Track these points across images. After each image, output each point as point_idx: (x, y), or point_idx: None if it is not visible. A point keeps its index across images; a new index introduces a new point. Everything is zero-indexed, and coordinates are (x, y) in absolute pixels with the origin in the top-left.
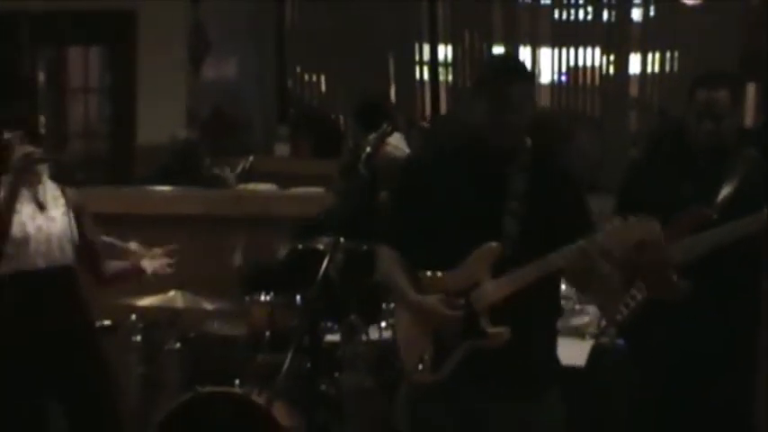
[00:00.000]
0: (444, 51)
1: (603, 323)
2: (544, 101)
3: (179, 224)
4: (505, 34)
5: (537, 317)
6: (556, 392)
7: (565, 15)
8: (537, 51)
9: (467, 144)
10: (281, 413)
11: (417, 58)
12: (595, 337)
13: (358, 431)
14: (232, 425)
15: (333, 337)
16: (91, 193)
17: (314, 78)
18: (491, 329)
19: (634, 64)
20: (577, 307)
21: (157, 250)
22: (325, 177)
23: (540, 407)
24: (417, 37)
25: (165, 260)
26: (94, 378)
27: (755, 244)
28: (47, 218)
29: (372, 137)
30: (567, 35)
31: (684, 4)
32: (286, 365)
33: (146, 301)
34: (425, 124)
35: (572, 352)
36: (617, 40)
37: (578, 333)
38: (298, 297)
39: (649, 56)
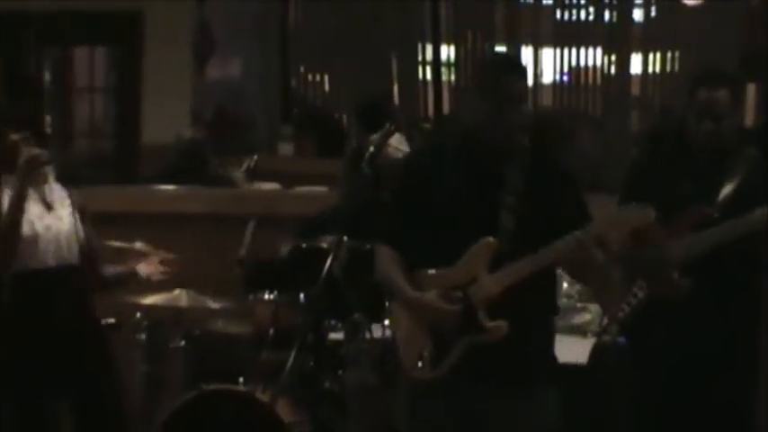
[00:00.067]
0: (447, 51)
1: (605, 321)
2: (546, 100)
3: (184, 223)
4: (508, 34)
5: (533, 314)
6: (552, 389)
7: (567, 16)
8: (539, 51)
9: (465, 142)
10: (284, 410)
11: (420, 58)
12: (597, 335)
13: (361, 428)
14: (236, 422)
15: (336, 335)
16: (96, 192)
17: (317, 78)
18: (489, 323)
19: (635, 64)
20: (579, 305)
21: (158, 255)
22: (329, 177)
23: (536, 402)
24: (420, 37)
25: (160, 266)
26: (101, 376)
27: (756, 243)
28: (55, 217)
29: (375, 136)
30: (568, 35)
31: (685, 5)
32: (290, 363)
33: (150, 300)
34: (427, 125)
35: (574, 350)
36: (618, 40)
37: (580, 331)
38: (301, 295)
39: (650, 56)
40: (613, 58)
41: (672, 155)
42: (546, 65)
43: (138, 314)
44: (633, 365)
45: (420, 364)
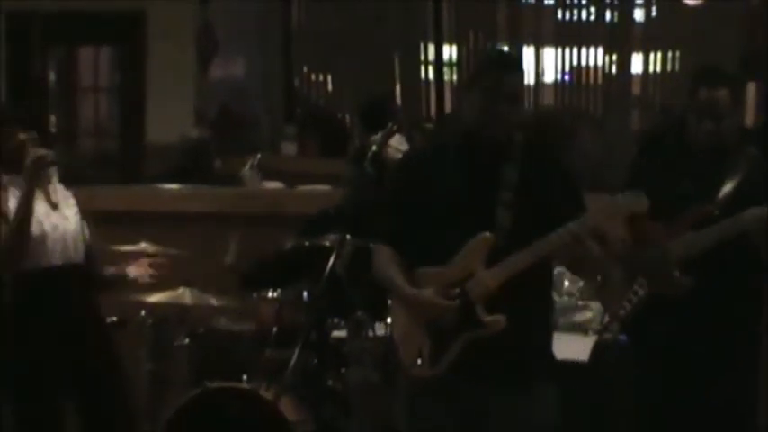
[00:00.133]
0: (449, 51)
1: (606, 319)
2: (547, 100)
3: (188, 222)
4: (509, 34)
5: (530, 310)
6: (551, 385)
7: (568, 16)
8: (540, 51)
9: (461, 137)
10: (288, 408)
11: (422, 57)
12: (598, 333)
13: (364, 426)
14: (240, 420)
15: (339, 333)
16: (101, 191)
17: (320, 78)
18: (487, 318)
19: (636, 63)
20: (580, 303)
21: (164, 255)
22: (332, 176)
23: (535, 399)
24: (422, 37)
25: (149, 268)
26: (106, 374)
27: (757, 242)
28: (61, 217)
29: (377, 136)
30: (570, 35)
31: (686, 5)
32: (293, 361)
33: (155, 298)
34: (429, 125)
35: (575, 348)
36: (619, 39)
37: (581, 329)
38: (305, 293)
39: (651, 55)
40: (614, 57)
41: (672, 154)
42: (547, 64)
43: (143, 312)
44: (634, 363)
45: (419, 361)
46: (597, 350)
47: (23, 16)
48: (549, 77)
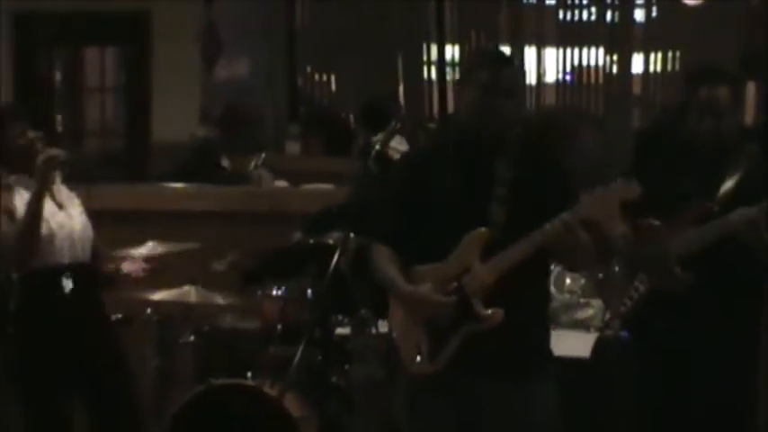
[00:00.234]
0: (451, 51)
1: (608, 316)
2: (549, 99)
3: (193, 220)
4: (511, 34)
5: (527, 306)
6: (550, 380)
7: (569, 16)
8: (542, 51)
9: (457, 133)
10: (292, 404)
11: (425, 57)
12: (600, 329)
13: (368, 422)
14: (245, 416)
15: (343, 331)
16: (107, 190)
17: (324, 78)
18: (484, 311)
19: (636, 63)
20: (582, 300)
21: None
22: (336, 174)
23: (533, 393)
24: (425, 37)
25: (142, 263)
26: (113, 371)
27: (746, 242)
28: (67, 216)
29: (379, 135)
30: (571, 35)
31: (686, 5)
32: (297, 358)
33: (160, 296)
34: (431, 124)
35: (577, 344)
36: (620, 40)
37: (583, 326)
38: (309, 291)
39: (651, 55)
40: (615, 57)
41: (672, 152)
42: (549, 64)
43: (149, 310)
44: (635, 360)
45: (418, 358)
46: (599, 347)
47: (30, 17)
48: (550, 77)
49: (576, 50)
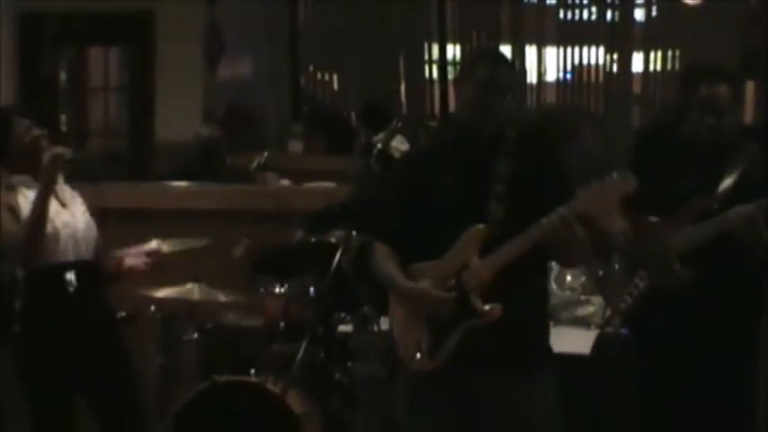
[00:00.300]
0: (453, 51)
1: (608, 313)
2: (550, 98)
3: (196, 219)
4: (512, 34)
5: (525, 299)
6: (548, 375)
7: (569, 15)
8: (543, 50)
9: (455, 131)
10: (295, 401)
11: (426, 57)
12: (600, 326)
13: (370, 419)
14: (248, 413)
15: (346, 328)
16: (111, 189)
17: (326, 77)
18: (483, 307)
19: (636, 62)
20: (582, 298)
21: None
22: (339, 173)
23: (533, 389)
24: (426, 36)
25: (144, 257)
26: (117, 369)
27: (744, 240)
28: (70, 215)
29: (383, 134)
30: (571, 34)
31: (685, 5)
32: (300, 355)
33: (164, 294)
34: (433, 123)
35: (577, 341)
36: (620, 39)
37: (583, 323)
38: (311, 289)
39: (651, 54)
40: (615, 56)
41: (671, 150)
42: (549, 63)
43: (153, 308)
44: (635, 357)
45: (418, 355)
46: (599, 344)
47: (34, 17)
48: (551, 76)
49: (577, 49)
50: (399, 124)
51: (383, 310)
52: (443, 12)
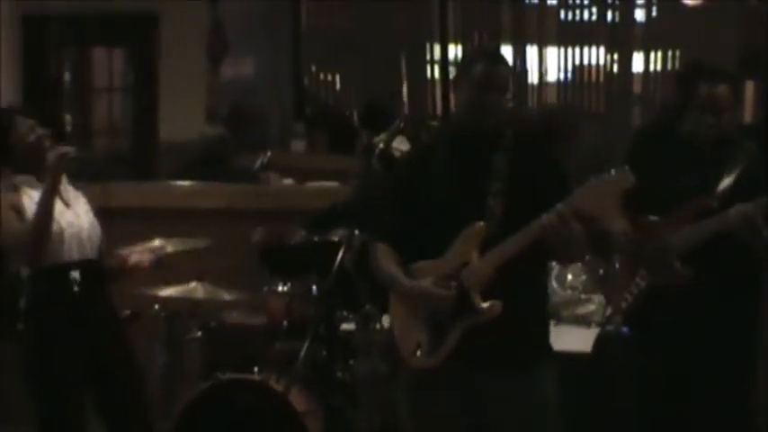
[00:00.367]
0: (454, 51)
1: (609, 311)
2: (550, 98)
3: (199, 218)
4: (513, 34)
5: (524, 296)
6: (548, 372)
7: (570, 16)
8: (544, 51)
9: (453, 130)
10: (297, 399)
11: (428, 57)
12: (601, 324)
13: (372, 416)
14: (251, 410)
15: (348, 326)
16: (115, 188)
17: (329, 77)
18: (483, 304)
19: (637, 62)
20: (583, 296)
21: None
22: (341, 172)
23: (531, 385)
24: (428, 37)
25: (148, 253)
26: (121, 367)
27: (743, 239)
28: (74, 214)
29: (384, 134)
30: (572, 35)
31: (686, 5)
32: (303, 353)
33: (167, 292)
34: (435, 123)
35: (578, 339)
36: (620, 39)
37: (584, 321)
38: (314, 287)
39: (652, 54)
40: (615, 56)
41: (671, 149)
42: (550, 64)
43: (156, 306)
44: (636, 355)
45: (419, 352)
46: (600, 342)
47: (39, 18)
48: (552, 76)
49: (578, 50)
50: (401, 124)
51: (385, 308)
52: (445, 12)
